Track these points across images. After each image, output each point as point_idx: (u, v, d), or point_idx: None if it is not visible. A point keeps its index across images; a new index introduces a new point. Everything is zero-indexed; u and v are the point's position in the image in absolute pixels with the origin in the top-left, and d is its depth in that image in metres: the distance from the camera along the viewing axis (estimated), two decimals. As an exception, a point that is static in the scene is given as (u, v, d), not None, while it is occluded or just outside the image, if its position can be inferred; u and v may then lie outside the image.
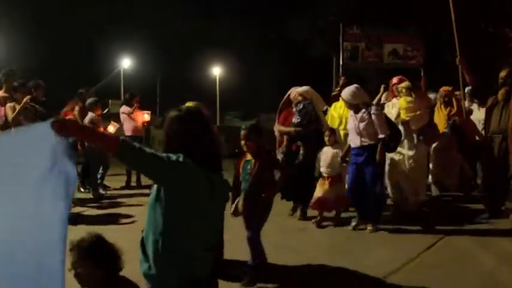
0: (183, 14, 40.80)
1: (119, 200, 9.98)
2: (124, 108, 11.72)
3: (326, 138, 8.08)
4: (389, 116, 8.26)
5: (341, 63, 16.01)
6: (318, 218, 8.04)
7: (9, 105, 8.55)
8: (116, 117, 11.91)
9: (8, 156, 2.72)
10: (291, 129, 8.35)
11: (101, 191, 10.42)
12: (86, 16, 39.53)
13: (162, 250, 2.90)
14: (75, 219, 7.31)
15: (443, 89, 10.04)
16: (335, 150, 8.02)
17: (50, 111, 9.34)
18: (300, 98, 8.37)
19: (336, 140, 8.18)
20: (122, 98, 27.54)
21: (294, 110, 8.39)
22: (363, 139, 7.54)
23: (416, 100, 8.54)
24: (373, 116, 7.44)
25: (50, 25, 37.54)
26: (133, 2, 41.86)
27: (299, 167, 8.17)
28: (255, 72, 39.59)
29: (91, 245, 3.33)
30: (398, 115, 8.53)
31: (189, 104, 5.55)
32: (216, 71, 47.09)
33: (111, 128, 10.75)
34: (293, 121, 8.36)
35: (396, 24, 17.81)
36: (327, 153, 8.06)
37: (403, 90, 8.57)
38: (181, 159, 2.89)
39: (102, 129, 10.22)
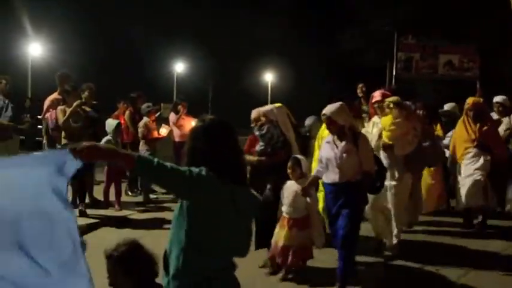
0: (238, 21, 41.04)
1: (165, 204, 10.02)
2: (171, 116, 11.81)
3: (289, 171, 6.21)
4: (368, 135, 6.74)
5: (394, 73, 15.75)
6: (283, 272, 6.23)
7: (60, 108, 8.66)
8: (168, 121, 12.01)
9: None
10: (254, 158, 6.57)
11: (151, 195, 10.52)
12: (142, 20, 40.24)
13: (182, 266, 2.85)
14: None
15: (473, 100, 8.63)
16: (300, 186, 6.12)
17: (101, 114, 9.49)
18: (263, 119, 6.67)
19: (302, 173, 6.24)
20: (174, 100, 27.89)
21: (257, 134, 6.67)
22: (342, 174, 5.91)
23: (405, 121, 7.11)
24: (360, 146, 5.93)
25: (106, 27, 38.34)
26: (190, 8, 42.35)
27: (264, 206, 5.30)
28: (307, 80, 39.47)
29: (125, 253, 3.33)
30: (379, 137, 7.28)
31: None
32: (268, 77, 47.16)
33: (164, 131, 10.84)
34: (256, 149, 6.65)
35: (452, 35, 17.46)
36: (288, 189, 6.22)
37: (391, 105, 7.12)
38: (203, 173, 2.81)
39: (155, 133, 10.36)
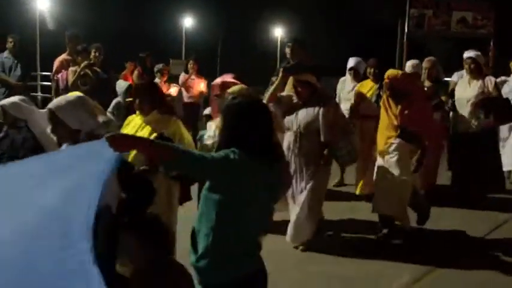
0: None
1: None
2: (182, 77, 11.74)
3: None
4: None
5: (406, 30, 15.52)
6: None
7: (71, 69, 8.63)
8: (177, 79, 11.91)
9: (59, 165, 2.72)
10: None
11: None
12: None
13: (212, 244, 2.88)
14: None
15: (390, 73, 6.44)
16: None
17: (111, 75, 9.43)
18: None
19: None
20: (183, 57, 27.70)
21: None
22: None
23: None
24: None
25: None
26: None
27: None
28: (317, 36, 39.02)
29: (145, 225, 3.35)
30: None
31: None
32: (278, 32, 46.59)
33: (173, 90, 10.78)
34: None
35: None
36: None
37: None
38: (231, 156, 2.82)
39: (165, 92, 10.30)
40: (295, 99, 5.99)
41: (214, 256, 2.90)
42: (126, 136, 2.76)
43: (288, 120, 5.98)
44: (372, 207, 6.55)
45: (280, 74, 6.21)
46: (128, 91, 9.17)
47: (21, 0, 29.62)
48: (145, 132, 4.55)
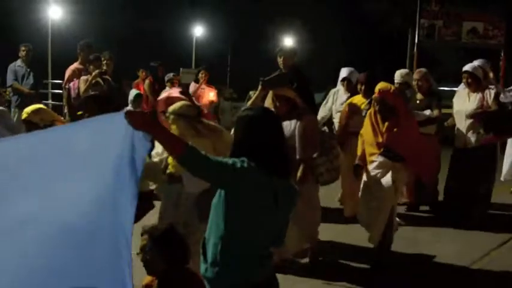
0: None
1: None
2: (192, 86, 11.80)
3: None
4: None
5: (416, 41, 15.51)
6: None
7: (83, 78, 8.69)
8: (187, 88, 11.96)
9: (78, 143, 2.73)
10: None
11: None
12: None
13: (221, 254, 2.89)
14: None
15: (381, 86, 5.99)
16: None
17: (122, 84, 9.49)
18: None
19: None
20: (193, 66, 27.76)
21: None
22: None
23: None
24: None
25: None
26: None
27: None
28: (327, 45, 39.03)
29: (162, 234, 3.39)
30: None
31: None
32: (288, 42, 46.66)
33: (212, 95, 10.87)
34: None
35: (477, 1, 17.07)
36: None
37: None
38: (245, 165, 2.84)
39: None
40: None
41: (222, 265, 2.90)
42: (144, 114, 2.77)
43: None
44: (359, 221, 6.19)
45: (259, 87, 5.84)
46: (137, 100, 9.25)
47: (34, 9, 29.86)
48: None
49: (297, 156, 5.44)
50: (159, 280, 3.37)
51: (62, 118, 5.31)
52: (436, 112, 7.51)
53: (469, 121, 7.38)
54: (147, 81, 10.74)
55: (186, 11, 40.62)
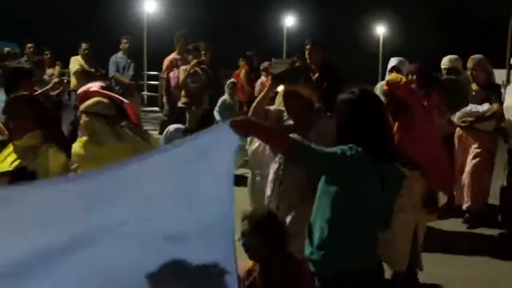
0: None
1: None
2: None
3: None
4: None
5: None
6: None
7: (182, 68, 8.81)
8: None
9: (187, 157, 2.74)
10: None
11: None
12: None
13: (327, 237, 2.86)
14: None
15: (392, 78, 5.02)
16: None
17: (218, 74, 9.60)
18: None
19: None
20: (284, 56, 27.82)
21: None
22: None
23: None
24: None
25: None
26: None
27: None
28: (420, 34, 38.05)
29: (262, 219, 3.38)
30: None
31: None
32: (380, 30, 45.73)
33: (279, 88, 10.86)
34: None
35: None
36: None
37: None
38: (354, 153, 2.77)
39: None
40: (286, 116, 4.71)
41: (329, 248, 2.87)
42: (249, 121, 2.75)
43: None
44: None
45: (270, 82, 4.94)
46: (232, 88, 9.35)
47: (129, 4, 30.89)
48: (5, 165, 3.63)
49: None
50: (261, 265, 3.36)
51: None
52: (495, 106, 6.54)
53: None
54: (243, 71, 10.82)
55: (278, 2, 40.70)
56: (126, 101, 4.40)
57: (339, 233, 2.86)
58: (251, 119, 2.72)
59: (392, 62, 6.88)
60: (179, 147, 2.78)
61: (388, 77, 5.10)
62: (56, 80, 8.78)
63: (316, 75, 6.42)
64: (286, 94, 4.62)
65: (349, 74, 6.94)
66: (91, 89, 4.43)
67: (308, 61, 6.41)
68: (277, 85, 4.84)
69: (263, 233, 3.32)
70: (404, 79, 4.89)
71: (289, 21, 41.93)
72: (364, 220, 2.90)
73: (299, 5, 41.21)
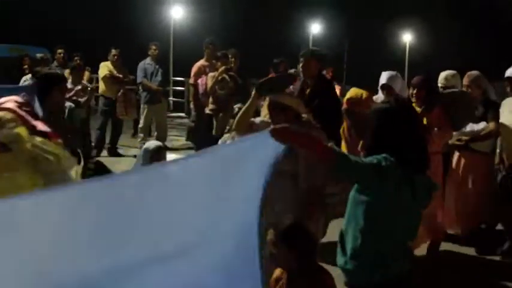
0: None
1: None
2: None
3: None
4: None
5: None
6: None
7: (211, 74, 8.84)
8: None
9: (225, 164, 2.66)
10: None
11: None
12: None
13: (360, 247, 2.86)
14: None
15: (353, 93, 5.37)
16: None
17: (245, 80, 9.60)
18: None
19: None
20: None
21: None
22: None
23: None
24: None
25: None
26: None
27: None
28: (447, 42, 37.77)
29: (290, 229, 3.40)
30: None
31: None
32: (407, 38, 45.47)
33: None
34: None
35: None
36: None
37: None
38: (384, 163, 2.76)
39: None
40: None
41: (363, 258, 2.87)
42: (287, 128, 2.69)
43: None
44: None
45: (253, 93, 4.58)
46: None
47: (157, 11, 31.20)
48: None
49: (301, 185, 4.27)
50: (289, 273, 3.36)
51: None
52: (492, 125, 6.06)
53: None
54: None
55: (303, 9, 40.77)
56: (43, 127, 3.95)
57: (372, 242, 2.86)
58: (292, 126, 2.64)
59: (383, 79, 6.42)
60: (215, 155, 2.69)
61: (348, 94, 4.73)
62: (78, 87, 8.95)
63: (308, 90, 5.80)
64: (271, 105, 4.37)
65: (375, 80, 6.77)
66: (2, 106, 3.96)
67: (302, 75, 5.97)
68: (261, 96, 4.61)
69: (289, 244, 3.31)
70: (365, 94, 4.69)
71: (315, 28, 41.97)
72: (397, 229, 2.90)
73: (325, 13, 41.27)
